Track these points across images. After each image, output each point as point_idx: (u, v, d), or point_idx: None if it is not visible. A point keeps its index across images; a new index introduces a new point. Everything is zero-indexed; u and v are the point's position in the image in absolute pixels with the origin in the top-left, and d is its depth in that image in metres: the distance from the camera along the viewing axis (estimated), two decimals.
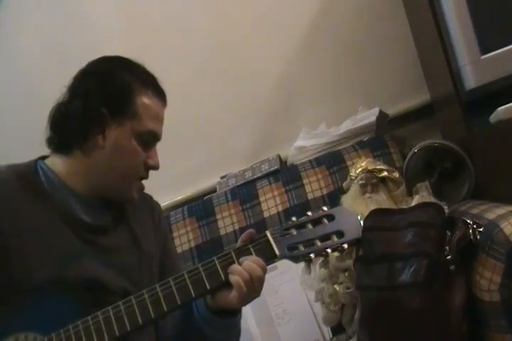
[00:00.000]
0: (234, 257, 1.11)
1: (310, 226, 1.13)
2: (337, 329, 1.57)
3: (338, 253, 1.15)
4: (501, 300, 1.17)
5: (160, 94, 1.26)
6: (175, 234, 1.89)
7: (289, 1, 2.11)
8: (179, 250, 1.86)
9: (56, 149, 1.24)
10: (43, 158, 1.26)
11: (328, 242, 1.12)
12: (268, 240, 1.12)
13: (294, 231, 1.13)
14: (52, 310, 1.08)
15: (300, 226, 1.14)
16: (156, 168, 1.27)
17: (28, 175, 1.22)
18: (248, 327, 1.63)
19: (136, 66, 1.26)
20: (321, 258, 1.50)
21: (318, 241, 1.11)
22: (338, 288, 1.50)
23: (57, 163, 1.23)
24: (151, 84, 1.25)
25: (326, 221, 1.13)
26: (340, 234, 1.12)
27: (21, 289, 1.10)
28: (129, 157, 1.22)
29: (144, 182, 1.32)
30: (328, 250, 1.11)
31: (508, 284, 1.16)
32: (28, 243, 1.14)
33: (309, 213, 1.15)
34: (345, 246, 1.12)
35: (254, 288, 1.09)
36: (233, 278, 1.09)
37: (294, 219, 1.15)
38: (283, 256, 1.12)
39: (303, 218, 1.15)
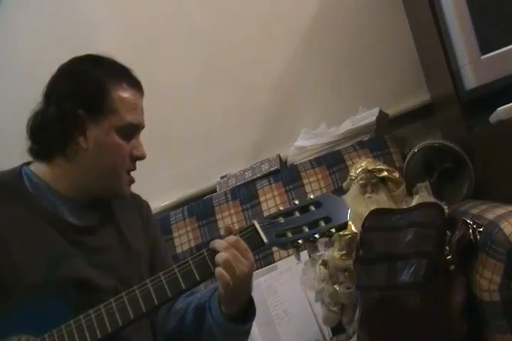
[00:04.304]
0: None
1: (297, 213, 1.14)
2: (337, 329, 1.57)
3: (327, 238, 1.15)
4: (501, 300, 1.17)
5: (135, 84, 1.25)
6: (175, 234, 1.89)
7: (289, 1, 2.11)
8: (179, 250, 1.86)
9: (38, 158, 1.24)
10: (28, 163, 1.27)
11: (316, 228, 1.12)
12: (256, 229, 1.12)
13: (281, 219, 1.14)
14: (43, 311, 1.08)
15: (287, 214, 1.14)
16: (142, 157, 1.26)
17: (11, 180, 1.22)
18: None
19: (107, 61, 1.25)
20: (321, 260, 1.53)
21: (306, 228, 1.12)
22: (338, 288, 1.50)
23: (41, 168, 1.24)
24: (124, 76, 1.24)
25: (313, 208, 1.14)
26: (327, 219, 1.13)
27: (11, 292, 1.10)
28: (114, 153, 1.22)
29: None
30: (316, 235, 1.12)
31: (508, 284, 1.16)
32: (15, 247, 1.14)
33: (296, 202, 1.16)
34: (333, 230, 1.12)
35: (236, 256, 1.09)
36: (218, 256, 1.10)
37: (281, 208, 1.17)
38: (271, 243, 1.13)
39: (290, 206, 1.16)
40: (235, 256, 1.09)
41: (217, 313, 1.17)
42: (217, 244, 1.11)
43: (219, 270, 1.08)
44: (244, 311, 1.19)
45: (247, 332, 1.23)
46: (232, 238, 1.11)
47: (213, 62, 2.15)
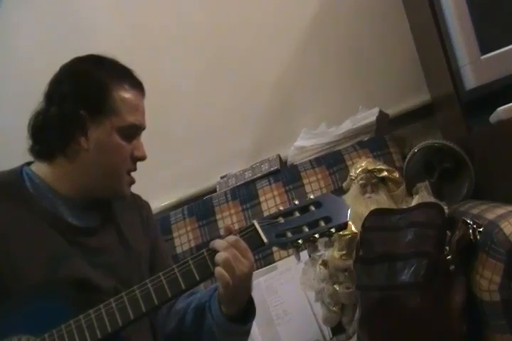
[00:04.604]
0: None
1: (297, 213, 1.14)
2: (337, 329, 1.57)
3: (327, 238, 1.15)
4: (501, 300, 1.17)
5: (137, 86, 1.25)
6: (175, 234, 1.89)
7: (289, 1, 2.11)
8: (179, 250, 1.86)
9: (39, 158, 1.24)
10: (29, 163, 1.27)
11: (316, 228, 1.12)
12: (256, 229, 1.12)
13: (281, 219, 1.14)
14: (43, 311, 1.08)
15: (287, 214, 1.14)
16: (143, 158, 1.26)
17: (12, 180, 1.22)
18: None
19: (109, 61, 1.26)
20: (321, 260, 1.53)
21: (306, 228, 1.12)
22: (338, 288, 1.50)
23: (42, 169, 1.24)
24: (126, 77, 1.24)
25: (313, 208, 1.14)
26: (327, 219, 1.13)
27: (11, 292, 1.10)
28: (115, 153, 1.22)
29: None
30: (316, 235, 1.12)
31: (508, 284, 1.16)
32: (15, 247, 1.14)
33: (296, 202, 1.16)
34: (333, 230, 1.12)
35: (236, 256, 1.09)
36: (218, 255, 1.10)
37: (281, 208, 1.17)
38: (271, 243, 1.13)
39: (290, 206, 1.16)
40: (234, 255, 1.09)
41: (217, 313, 1.17)
42: (217, 243, 1.11)
43: (218, 270, 1.08)
44: (244, 311, 1.19)
45: (247, 332, 1.23)
46: (231, 238, 1.11)
47: (213, 62, 2.15)
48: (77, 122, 1.19)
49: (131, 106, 1.22)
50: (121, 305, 1.08)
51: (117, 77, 1.22)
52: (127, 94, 1.22)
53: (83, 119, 1.19)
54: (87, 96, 1.20)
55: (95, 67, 1.23)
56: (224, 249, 1.09)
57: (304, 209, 1.15)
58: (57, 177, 1.22)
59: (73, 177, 1.22)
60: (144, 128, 1.27)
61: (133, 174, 1.28)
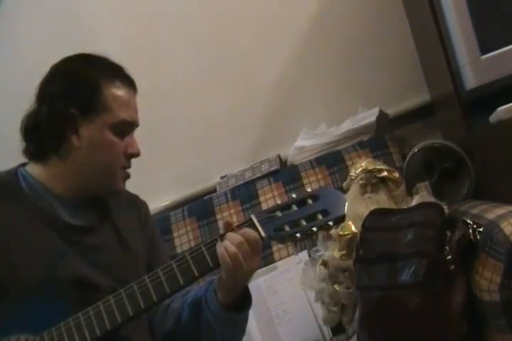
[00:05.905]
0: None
1: (295, 207, 1.14)
2: (337, 329, 1.57)
3: (325, 232, 1.15)
4: (501, 300, 1.17)
5: (128, 83, 1.26)
6: (175, 234, 1.89)
7: (289, 1, 2.11)
8: (179, 250, 1.86)
9: (33, 159, 1.24)
10: (24, 164, 1.27)
11: (314, 221, 1.12)
12: (253, 223, 1.12)
13: (279, 213, 1.13)
14: (42, 310, 1.09)
15: (285, 208, 1.14)
16: (136, 155, 1.27)
17: (8, 181, 1.23)
18: (248, 327, 1.63)
19: (100, 60, 1.26)
20: (321, 260, 1.53)
21: (304, 221, 1.12)
22: (338, 288, 1.50)
23: (36, 169, 1.24)
24: (117, 74, 1.25)
25: (310, 201, 1.14)
26: (325, 212, 1.12)
27: (10, 292, 1.11)
28: (108, 150, 1.22)
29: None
30: (314, 228, 1.11)
31: (508, 284, 1.16)
32: (14, 247, 1.15)
33: (294, 195, 1.16)
34: (331, 223, 1.12)
35: (237, 257, 1.09)
36: (218, 250, 1.10)
37: (278, 202, 1.17)
38: (269, 238, 1.13)
39: (288, 200, 1.16)
40: (246, 252, 1.08)
41: (214, 304, 1.17)
42: (231, 237, 1.10)
43: (226, 262, 1.08)
44: (241, 300, 1.19)
45: (245, 322, 1.23)
46: (248, 232, 1.10)
47: (214, 62, 2.15)
48: (68, 121, 1.19)
49: (123, 102, 1.23)
50: (120, 301, 1.08)
51: (108, 75, 1.23)
52: (118, 91, 1.22)
53: (74, 118, 1.19)
54: (77, 94, 1.21)
55: (85, 66, 1.24)
56: (238, 244, 1.08)
57: (301, 202, 1.14)
58: (51, 176, 1.23)
59: (67, 176, 1.22)
60: (137, 125, 1.27)
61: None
